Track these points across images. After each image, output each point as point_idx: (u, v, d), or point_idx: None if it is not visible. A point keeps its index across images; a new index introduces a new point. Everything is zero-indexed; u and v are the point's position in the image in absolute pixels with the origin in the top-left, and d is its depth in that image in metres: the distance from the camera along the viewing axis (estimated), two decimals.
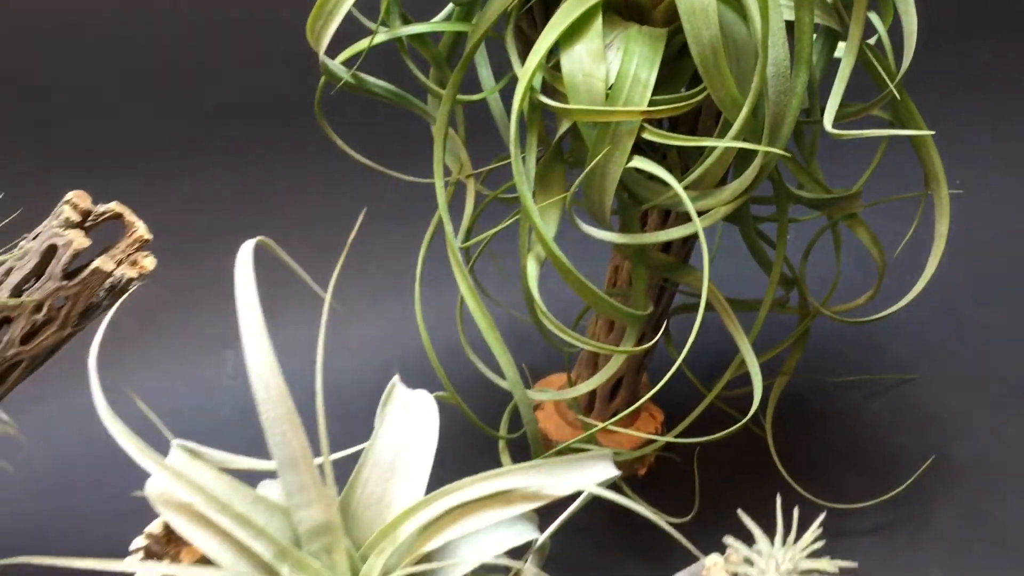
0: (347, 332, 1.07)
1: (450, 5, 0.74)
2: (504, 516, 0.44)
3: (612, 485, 0.48)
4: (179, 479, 0.44)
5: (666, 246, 0.75)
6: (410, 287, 0.78)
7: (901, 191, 0.81)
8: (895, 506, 0.87)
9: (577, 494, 0.46)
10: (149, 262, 0.64)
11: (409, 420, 0.48)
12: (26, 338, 0.64)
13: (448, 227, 0.67)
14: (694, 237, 0.78)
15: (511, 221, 0.71)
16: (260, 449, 0.75)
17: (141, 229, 0.65)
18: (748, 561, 0.43)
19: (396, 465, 0.47)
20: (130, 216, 0.65)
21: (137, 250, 0.65)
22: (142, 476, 0.58)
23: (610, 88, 0.61)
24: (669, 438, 0.71)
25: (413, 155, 0.87)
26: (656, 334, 0.78)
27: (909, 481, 0.88)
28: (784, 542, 0.42)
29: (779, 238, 0.73)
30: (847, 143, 0.90)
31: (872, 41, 0.73)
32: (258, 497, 0.45)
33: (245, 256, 0.46)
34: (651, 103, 0.61)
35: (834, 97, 0.63)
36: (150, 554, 0.47)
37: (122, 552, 0.59)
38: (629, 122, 0.62)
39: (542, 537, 0.50)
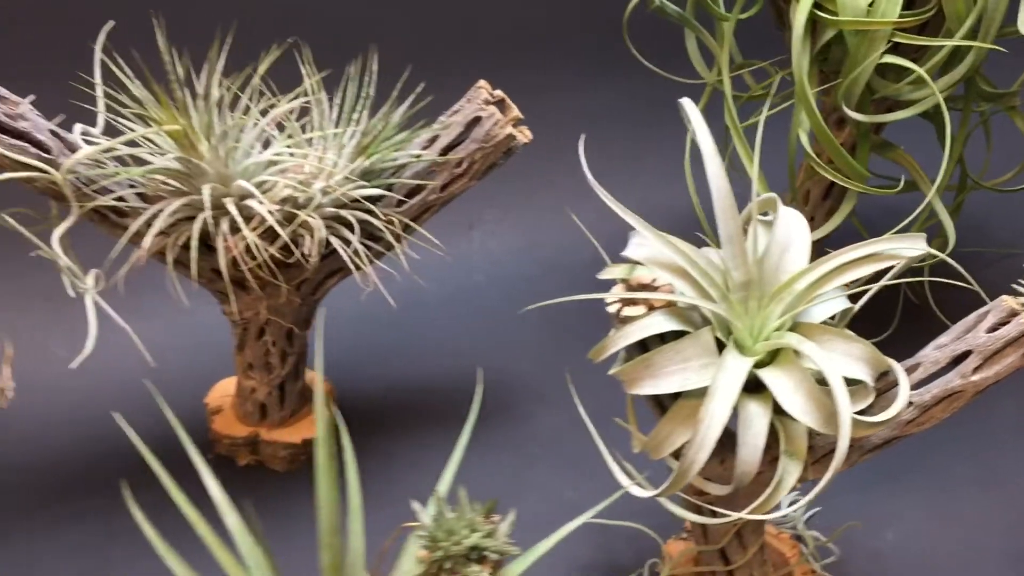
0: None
1: None
2: (872, 271, 0.67)
3: None
4: (667, 243, 0.67)
5: (877, 128, 0.97)
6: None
7: None
8: None
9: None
10: (528, 133, 0.86)
11: (790, 220, 0.70)
12: (444, 187, 0.86)
13: (729, 99, 0.89)
14: (881, 126, 1.00)
15: (786, 105, 0.93)
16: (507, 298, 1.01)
17: (515, 110, 0.87)
18: None
19: (788, 244, 0.69)
20: (508, 101, 0.87)
21: (515, 126, 0.86)
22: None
23: (870, 5, 0.83)
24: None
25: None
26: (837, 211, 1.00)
27: None
28: None
29: (963, 120, 0.95)
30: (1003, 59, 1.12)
31: None
32: (709, 260, 0.68)
33: (690, 105, 0.68)
34: (899, 16, 0.83)
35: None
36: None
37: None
38: (882, 30, 0.84)
39: (856, 306, 0.72)
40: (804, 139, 0.87)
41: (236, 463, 1.00)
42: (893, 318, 1.09)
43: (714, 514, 0.71)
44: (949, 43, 0.82)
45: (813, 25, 0.87)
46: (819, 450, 0.72)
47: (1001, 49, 0.83)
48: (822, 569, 0.86)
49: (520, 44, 1.35)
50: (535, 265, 1.27)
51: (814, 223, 1.04)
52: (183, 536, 0.66)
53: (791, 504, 0.93)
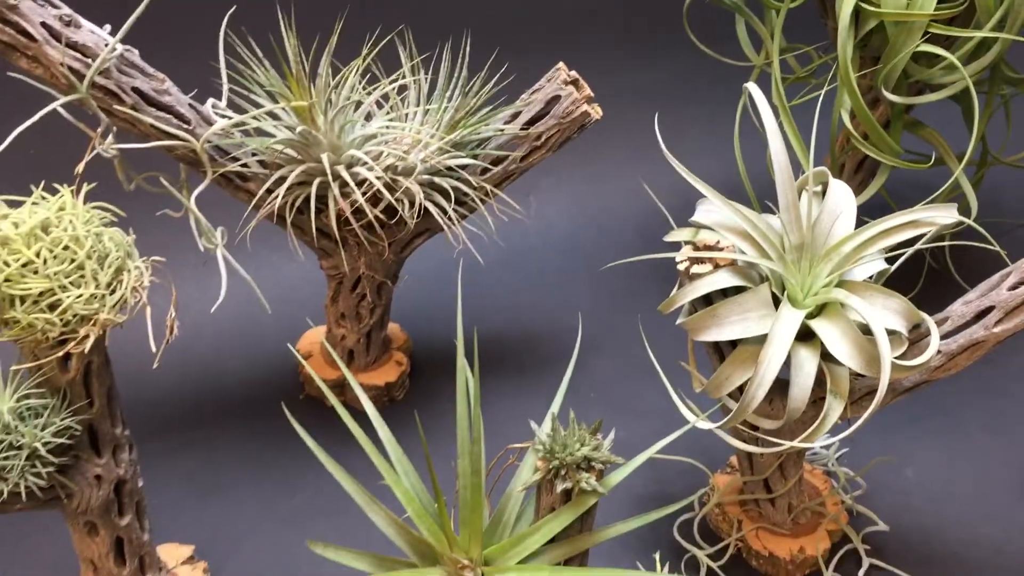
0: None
1: None
2: (910, 236, 0.76)
3: None
4: (733, 209, 0.76)
5: (907, 109, 1.06)
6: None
7: None
8: None
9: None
10: (600, 110, 0.95)
11: (839, 192, 0.79)
12: (523, 158, 0.95)
13: (777, 80, 0.98)
14: (912, 107, 1.08)
15: (830, 87, 1.01)
16: (560, 259, 1.07)
17: (588, 89, 0.95)
18: None
19: (837, 212, 0.78)
20: (582, 81, 0.95)
21: (587, 103, 0.95)
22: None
23: None
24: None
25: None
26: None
27: None
28: None
29: (988, 102, 1.03)
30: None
31: None
32: (769, 224, 0.77)
33: (755, 89, 0.76)
34: (935, 9, 0.91)
35: None
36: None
37: None
38: (919, 21, 0.92)
39: (892, 268, 0.82)
40: (845, 117, 0.96)
41: (324, 404, 1.10)
42: (917, 282, 1.18)
43: (767, 445, 0.81)
44: (979, 34, 0.91)
45: (856, 15, 0.95)
46: (856, 392, 0.82)
47: (1021, 39, 0.91)
48: (853, 502, 0.96)
49: (581, 27, 1.44)
50: (585, 230, 1.36)
51: None
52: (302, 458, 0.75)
53: (824, 446, 1.03)
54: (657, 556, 0.63)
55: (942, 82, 0.98)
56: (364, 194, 0.85)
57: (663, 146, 0.78)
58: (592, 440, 0.59)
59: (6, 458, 0.63)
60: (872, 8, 0.92)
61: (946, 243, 0.81)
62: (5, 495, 0.64)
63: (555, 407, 0.63)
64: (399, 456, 0.65)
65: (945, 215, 0.76)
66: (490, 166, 0.95)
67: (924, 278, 1.18)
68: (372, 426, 0.71)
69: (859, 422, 0.72)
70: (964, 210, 1.06)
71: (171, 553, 0.88)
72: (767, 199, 0.93)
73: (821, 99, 0.84)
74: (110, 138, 0.79)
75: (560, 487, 0.58)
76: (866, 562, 0.91)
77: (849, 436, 0.96)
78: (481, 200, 0.95)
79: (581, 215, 1.37)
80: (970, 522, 0.96)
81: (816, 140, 1.04)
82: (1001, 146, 1.15)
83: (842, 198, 0.80)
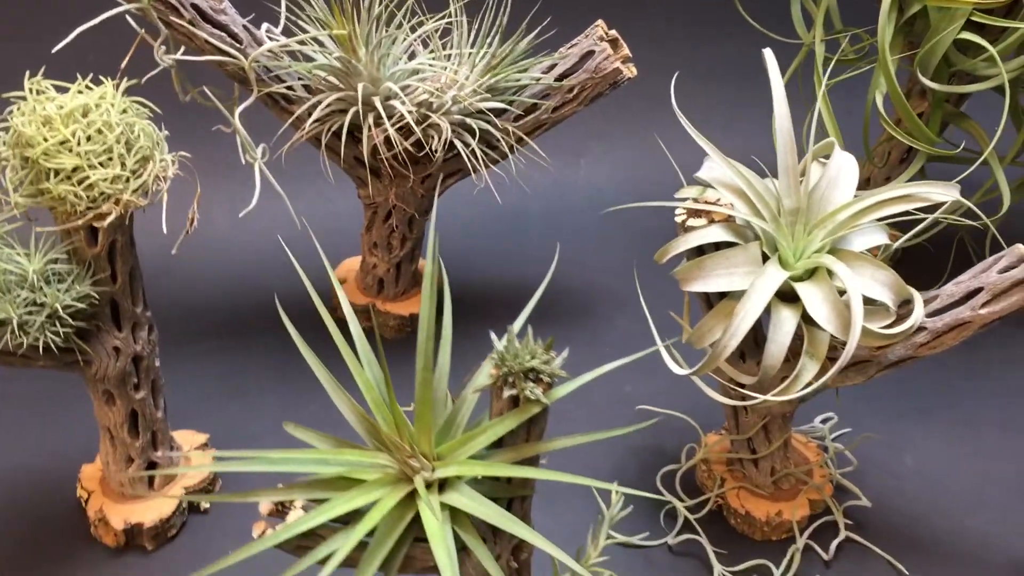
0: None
1: None
2: (904, 209, 0.76)
3: None
4: (732, 167, 0.78)
5: (959, 100, 1.04)
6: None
7: None
8: None
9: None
10: (634, 69, 0.97)
11: (842, 161, 0.80)
12: (555, 109, 0.98)
13: (819, 59, 0.98)
14: (961, 98, 1.07)
15: (868, 67, 1.01)
16: (602, 222, 1.08)
17: (625, 48, 0.98)
18: None
19: (836, 180, 0.79)
20: (620, 40, 0.98)
21: (624, 63, 0.97)
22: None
23: None
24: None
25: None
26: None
27: None
28: None
29: None
30: None
31: None
32: (766, 186, 0.79)
33: (770, 55, 0.78)
34: None
35: None
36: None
37: None
38: (961, 8, 0.91)
39: (895, 244, 0.82)
40: (879, 101, 0.96)
41: None
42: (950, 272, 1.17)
43: (744, 399, 0.82)
44: (1016, 24, 0.89)
45: None
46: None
47: None
48: (840, 476, 0.96)
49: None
50: (631, 196, 1.38)
51: (888, 183, 1.13)
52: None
53: (821, 421, 1.04)
54: (615, 484, 0.66)
55: (985, 74, 0.96)
56: (395, 126, 0.90)
57: (675, 107, 0.80)
58: (544, 355, 0.62)
59: (29, 313, 0.70)
60: None
61: (934, 216, 0.80)
62: (25, 347, 0.71)
63: (516, 326, 0.66)
64: (365, 350, 0.69)
65: (943, 193, 0.77)
66: (523, 114, 0.98)
67: (960, 269, 1.17)
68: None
69: (823, 379, 0.74)
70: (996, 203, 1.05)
71: (187, 439, 0.95)
72: None
73: (826, 79, 0.85)
74: (163, 48, 0.85)
75: (507, 393, 0.62)
76: (842, 534, 0.91)
77: (824, 386, 0.95)
78: (510, 147, 0.99)
79: (628, 181, 1.40)
80: (960, 513, 0.95)
81: (860, 123, 1.04)
82: None
83: (844, 168, 0.80)
